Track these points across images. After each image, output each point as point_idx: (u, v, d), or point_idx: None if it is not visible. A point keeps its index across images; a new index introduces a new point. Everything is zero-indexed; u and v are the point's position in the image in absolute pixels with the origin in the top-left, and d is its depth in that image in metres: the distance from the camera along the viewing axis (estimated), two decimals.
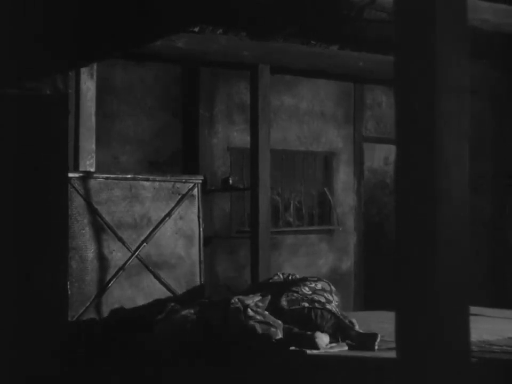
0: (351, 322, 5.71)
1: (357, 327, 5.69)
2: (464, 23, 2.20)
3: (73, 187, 6.49)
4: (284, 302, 5.79)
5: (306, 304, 5.79)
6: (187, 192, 7.09)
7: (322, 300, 5.89)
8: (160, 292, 6.80)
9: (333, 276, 9.31)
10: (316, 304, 5.79)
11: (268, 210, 7.58)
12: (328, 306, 5.82)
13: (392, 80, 2.26)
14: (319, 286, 6.06)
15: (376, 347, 5.42)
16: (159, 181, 7.00)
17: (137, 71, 8.43)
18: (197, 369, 4.98)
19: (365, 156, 10.00)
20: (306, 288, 5.95)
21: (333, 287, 6.14)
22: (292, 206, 9.49)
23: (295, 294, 5.87)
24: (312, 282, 6.09)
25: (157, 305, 6.24)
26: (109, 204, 6.72)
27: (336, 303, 5.96)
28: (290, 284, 6.06)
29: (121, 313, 6.33)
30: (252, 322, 5.45)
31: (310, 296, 5.87)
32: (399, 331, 2.19)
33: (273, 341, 5.41)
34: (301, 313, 5.72)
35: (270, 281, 6.34)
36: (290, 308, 5.77)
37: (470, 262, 2.17)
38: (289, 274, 6.41)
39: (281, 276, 6.35)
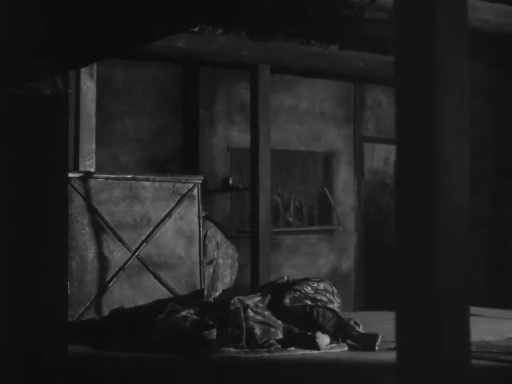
0: (356, 323, 5.71)
1: (361, 328, 5.70)
2: (464, 23, 2.20)
3: (73, 187, 6.49)
4: (287, 300, 5.81)
5: (309, 302, 5.80)
6: (187, 192, 7.08)
7: (325, 299, 5.91)
8: (160, 292, 6.79)
9: (333, 276, 9.31)
10: (318, 303, 5.81)
11: (267, 211, 7.59)
12: (330, 305, 5.84)
13: (392, 80, 2.26)
14: (321, 286, 6.07)
15: (376, 347, 5.42)
16: (159, 181, 7.00)
17: (137, 71, 8.43)
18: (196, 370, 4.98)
19: (365, 156, 10.00)
20: (309, 288, 5.97)
21: (334, 289, 6.15)
22: (291, 206, 9.50)
23: (297, 293, 5.89)
24: (314, 282, 6.11)
25: (157, 305, 6.24)
26: (109, 204, 6.72)
27: (338, 305, 5.97)
28: (293, 284, 6.07)
29: (121, 313, 6.33)
30: (251, 322, 5.45)
31: (313, 295, 5.89)
32: (399, 331, 2.19)
33: (274, 341, 5.41)
34: (303, 311, 5.73)
35: (277, 282, 6.36)
36: (293, 305, 5.78)
37: (470, 262, 2.17)
38: (294, 278, 6.43)
39: (285, 278, 6.38)
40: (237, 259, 7.54)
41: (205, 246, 7.14)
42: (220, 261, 7.30)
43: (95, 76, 7.36)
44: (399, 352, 2.18)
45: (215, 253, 7.27)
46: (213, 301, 6.43)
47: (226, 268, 7.34)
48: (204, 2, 4.00)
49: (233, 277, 7.51)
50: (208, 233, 7.24)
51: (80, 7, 4.36)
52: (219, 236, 7.41)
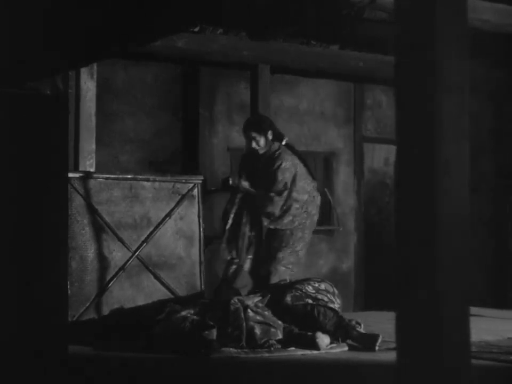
0: (357, 323, 5.72)
1: (362, 328, 5.71)
2: (464, 23, 2.20)
3: (73, 187, 6.49)
4: (288, 298, 5.82)
5: (310, 301, 5.81)
6: (187, 192, 7.08)
7: (325, 299, 5.92)
8: (160, 292, 6.79)
9: (333, 276, 9.31)
10: (319, 302, 5.82)
11: None
12: (331, 305, 5.84)
13: (392, 80, 2.26)
14: (322, 286, 6.08)
15: (377, 348, 5.42)
16: (159, 181, 7.00)
17: (137, 71, 8.43)
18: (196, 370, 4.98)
19: (365, 156, 10.00)
20: (310, 287, 5.97)
21: (335, 290, 6.16)
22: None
23: (299, 292, 5.90)
24: (315, 282, 6.12)
25: (157, 305, 6.23)
26: (109, 203, 6.72)
27: (338, 306, 5.98)
28: (294, 283, 6.08)
29: (121, 313, 6.33)
30: (251, 323, 5.45)
31: (314, 295, 5.90)
32: (399, 331, 2.19)
33: (274, 341, 5.41)
34: (304, 310, 5.74)
35: (278, 283, 6.36)
36: (294, 303, 5.79)
37: (470, 262, 2.17)
38: (296, 279, 6.44)
39: (288, 280, 6.39)
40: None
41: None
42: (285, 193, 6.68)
43: (95, 76, 7.36)
44: (399, 352, 2.18)
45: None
46: (212, 299, 6.42)
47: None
48: (203, 2, 4.00)
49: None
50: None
51: (80, 7, 4.36)
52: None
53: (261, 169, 6.91)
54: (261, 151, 6.85)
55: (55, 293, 3.99)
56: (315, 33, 7.63)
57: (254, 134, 6.81)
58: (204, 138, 8.69)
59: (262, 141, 6.82)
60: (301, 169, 6.80)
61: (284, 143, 6.90)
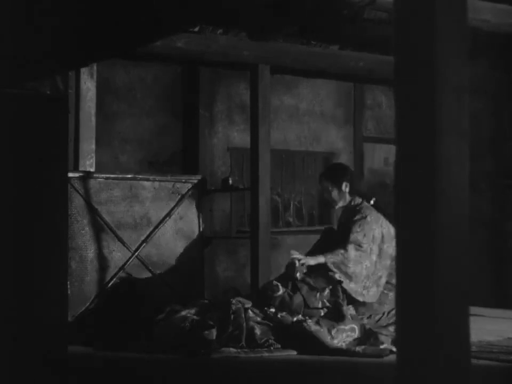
0: None
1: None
2: (464, 23, 2.20)
3: (73, 187, 6.49)
4: None
5: None
6: (187, 192, 7.08)
7: None
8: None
9: None
10: None
11: (267, 211, 7.59)
12: None
13: (392, 80, 2.26)
14: None
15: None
16: (159, 181, 7.00)
17: (137, 71, 8.43)
18: (195, 370, 4.98)
19: (365, 156, 10.00)
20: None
21: None
22: (291, 206, 9.50)
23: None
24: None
25: (157, 305, 6.24)
26: (109, 204, 6.72)
27: None
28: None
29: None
30: (251, 322, 5.45)
31: None
32: (399, 331, 2.19)
33: (273, 341, 5.41)
34: None
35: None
36: None
37: (470, 262, 2.17)
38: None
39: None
40: None
41: None
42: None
43: (95, 76, 7.36)
44: (399, 352, 2.18)
45: None
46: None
47: None
48: (203, 3, 4.00)
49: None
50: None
51: (80, 7, 4.36)
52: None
53: (339, 228, 6.19)
54: (335, 205, 6.17)
55: (55, 293, 3.99)
56: (315, 33, 7.63)
57: (326, 183, 6.17)
58: (204, 138, 8.69)
59: (334, 192, 6.12)
60: (388, 230, 5.89)
61: (371, 203, 6.14)
